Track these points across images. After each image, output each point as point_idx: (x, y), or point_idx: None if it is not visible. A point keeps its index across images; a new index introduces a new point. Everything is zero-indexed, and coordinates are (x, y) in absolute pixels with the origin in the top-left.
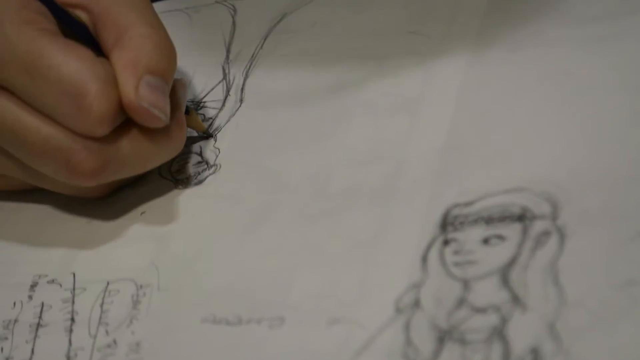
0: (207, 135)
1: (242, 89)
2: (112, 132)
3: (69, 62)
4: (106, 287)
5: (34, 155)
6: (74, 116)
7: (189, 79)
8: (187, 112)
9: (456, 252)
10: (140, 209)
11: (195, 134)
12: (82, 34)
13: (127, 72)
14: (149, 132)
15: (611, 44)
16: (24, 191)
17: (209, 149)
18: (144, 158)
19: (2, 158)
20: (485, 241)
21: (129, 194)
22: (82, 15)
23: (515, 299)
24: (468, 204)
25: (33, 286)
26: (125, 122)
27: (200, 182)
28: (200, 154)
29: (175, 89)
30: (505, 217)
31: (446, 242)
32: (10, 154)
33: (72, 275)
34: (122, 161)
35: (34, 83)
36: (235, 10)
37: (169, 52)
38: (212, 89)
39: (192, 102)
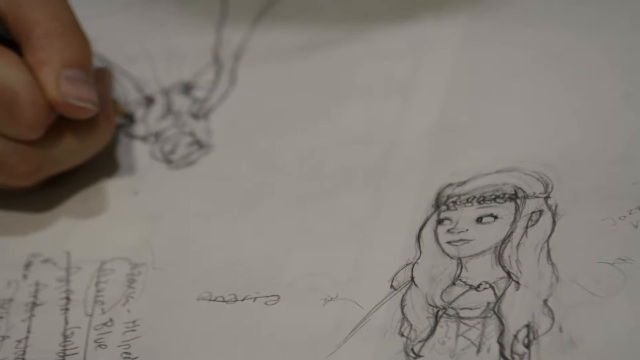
0: (130, 118)
1: (234, 71)
2: (43, 133)
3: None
4: (101, 266)
5: None
6: (6, 123)
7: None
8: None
9: (450, 231)
10: (134, 189)
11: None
12: (2, 35)
13: (44, 72)
14: (79, 127)
15: (601, 27)
16: None
17: (201, 129)
18: (76, 153)
19: None
20: (479, 220)
21: (122, 175)
22: None
23: (509, 276)
24: (461, 183)
25: (27, 265)
26: (55, 120)
27: (192, 162)
28: (193, 135)
29: (98, 80)
30: (498, 197)
31: (440, 222)
32: None
33: (67, 255)
34: (54, 159)
35: None
36: None
37: (79, 42)
38: (203, 70)
39: (183, 84)
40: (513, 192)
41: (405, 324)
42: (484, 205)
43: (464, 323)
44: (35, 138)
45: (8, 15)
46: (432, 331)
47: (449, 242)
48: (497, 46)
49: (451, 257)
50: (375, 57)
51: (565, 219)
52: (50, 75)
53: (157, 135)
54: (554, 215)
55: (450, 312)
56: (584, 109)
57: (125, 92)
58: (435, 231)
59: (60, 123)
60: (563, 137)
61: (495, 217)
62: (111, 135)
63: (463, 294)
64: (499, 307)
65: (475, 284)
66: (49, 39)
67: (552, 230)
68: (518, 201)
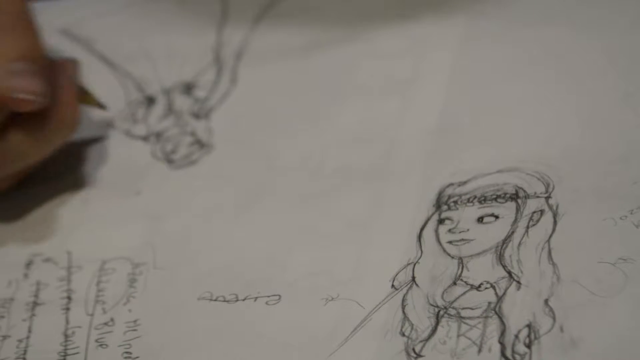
0: (102, 107)
1: (235, 71)
2: None
3: None
4: (102, 265)
5: None
6: None
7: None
8: (79, 91)
9: (451, 231)
10: (135, 188)
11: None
12: None
13: None
14: (36, 119)
15: (601, 27)
16: None
17: (202, 129)
18: (37, 146)
19: None
20: (480, 220)
21: (123, 174)
22: None
23: (510, 276)
24: (462, 183)
25: (28, 265)
26: (11, 114)
27: (194, 162)
28: (194, 135)
29: (63, 68)
30: (499, 196)
31: (441, 221)
32: None
33: (68, 254)
34: (15, 154)
35: None
36: None
37: (26, 34)
38: (204, 70)
39: (184, 83)
40: (514, 191)
41: (407, 324)
42: (485, 205)
43: (465, 323)
44: None
45: None
46: (433, 331)
47: (450, 242)
48: (497, 46)
49: (452, 257)
50: (375, 57)
51: (566, 218)
52: None
53: (158, 135)
54: (555, 215)
55: (452, 311)
56: (584, 109)
57: (126, 92)
58: (436, 231)
59: (16, 118)
60: (564, 137)
61: (497, 217)
62: (75, 126)
63: (464, 293)
64: (500, 306)
65: (477, 283)
66: None
67: (553, 230)
68: (519, 201)
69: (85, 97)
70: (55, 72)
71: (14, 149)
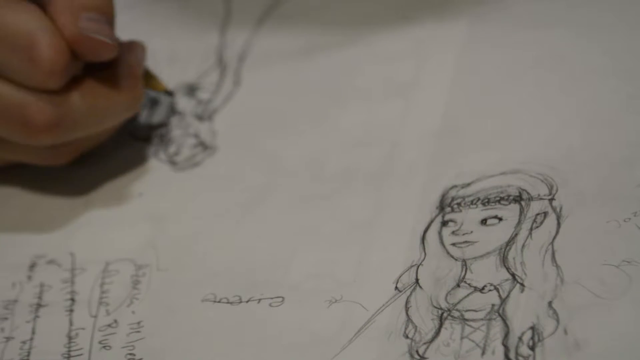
0: (169, 93)
1: (238, 73)
2: (64, 87)
3: (18, 17)
4: (105, 267)
5: None
6: (25, 69)
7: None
8: (146, 75)
9: (454, 233)
10: (138, 190)
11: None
12: None
13: (63, 16)
14: (102, 86)
15: (603, 29)
16: (19, 172)
17: (205, 131)
18: (98, 114)
19: None
20: (483, 222)
21: (126, 176)
22: None
23: (514, 278)
24: (465, 185)
25: (32, 266)
26: (77, 78)
27: (197, 164)
28: (197, 137)
29: (131, 48)
30: (502, 198)
31: (444, 223)
32: None
33: (71, 256)
34: (76, 116)
35: None
36: None
37: None
38: (207, 72)
39: (187, 85)
40: (517, 194)
41: (410, 326)
42: (489, 207)
43: (468, 325)
44: (56, 87)
45: None
46: (437, 333)
47: (453, 244)
48: (499, 48)
49: (456, 259)
50: (377, 59)
51: (570, 221)
52: (69, 18)
53: (161, 137)
54: (558, 217)
55: (455, 314)
56: (587, 111)
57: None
58: (439, 233)
59: (83, 81)
60: (566, 139)
61: (500, 219)
62: (137, 104)
63: (468, 295)
64: (503, 309)
65: (480, 285)
66: None
67: (557, 232)
68: (522, 203)
69: (151, 81)
70: (122, 48)
71: (74, 110)
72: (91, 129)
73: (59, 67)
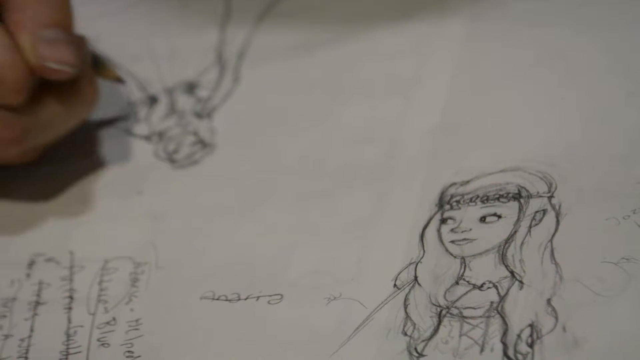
0: (120, 81)
1: (238, 70)
2: (26, 99)
3: None
4: (104, 265)
5: None
6: None
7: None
8: (96, 64)
9: (453, 230)
10: (137, 188)
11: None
12: None
13: (22, 34)
14: (61, 92)
15: (603, 26)
16: (19, 170)
17: (205, 129)
18: (62, 118)
19: None
20: (482, 219)
21: (125, 174)
22: None
23: (512, 276)
24: (464, 183)
25: (30, 264)
26: (37, 87)
27: (196, 162)
28: (196, 134)
29: (79, 45)
30: (501, 196)
31: (443, 221)
32: None
33: (70, 254)
34: (39, 126)
35: None
36: None
37: (58, 1)
38: (206, 69)
39: (187, 83)
40: (517, 191)
41: (409, 323)
42: (488, 204)
43: (467, 322)
44: (18, 103)
45: None
46: (436, 330)
47: (452, 242)
48: (499, 45)
49: (455, 257)
50: (377, 56)
51: (569, 218)
52: (27, 37)
53: (160, 135)
54: (557, 215)
55: (454, 311)
56: (586, 109)
57: (129, 91)
58: (438, 230)
59: (43, 89)
60: (566, 137)
61: (499, 217)
62: (95, 100)
63: (466, 293)
64: (502, 306)
65: (479, 283)
66: (26, 0)
67: (556, 230)
68: (522, 200)
69: (103, 70)
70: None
71: (38, 120)
72: (55, 133)
73: (21, 86)
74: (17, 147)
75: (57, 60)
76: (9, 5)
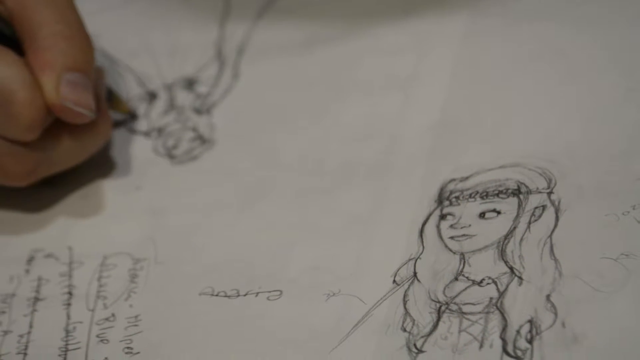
0: (132, 115)
1: (237, 66)
2: (40, 135)
3: None
4: (103, 261)
5: None
6: (4, 123)
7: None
8: (110, 97)
9: (453, 226)
10: (136, 184)
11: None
12: (3, 32)
13: (45, 74)
14: (75, 129)
15: (602, 23)
16: None
17: (204, 124)
18: (72, 154)
19: None
20: (482, 215)
21: (125, 170)
22: None
23: (512, 272)
24: (464, 179)
25: (29, 260)
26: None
27: (195, 157)
28: (196, 130)
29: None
30: (501, 192)
31: (443, 217)
32: None
33: (69, 250)
34: (51, 160)
35: None
36: None
37: (84, 46)
38: (206, 65)
39: (186, 79)
40: (516, 187)
41: (408, 319)
42: (487, 200)
43: (466, 318)
44: (32, 139)
45: (14, 14)
46: (435, 326)
47: (451, 238)
48: (498, 42)
49: (454, 253)
50: (377, 53)
51: (569, 214)
52: (51, 77)
53: (160, 131)
54: (557, 211)
55: (453, 307)
56: (586, 105)
57: (128, 87)
58: (438, 226)
59: (57, 124)
60: (565, 133)
61: (498, 213)
62: (109, 135)
63: (466, 289)
64: (501, 302)
65: (478, 279)
66: (54, 40)
67: (555, 226)
68: (521, 196)
69: (116, 103)
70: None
71: (50, 155)
72: (66, 166)
73: (36, 123)
74: (27, 181)
75: (78, 104)
76: (38, 43)
